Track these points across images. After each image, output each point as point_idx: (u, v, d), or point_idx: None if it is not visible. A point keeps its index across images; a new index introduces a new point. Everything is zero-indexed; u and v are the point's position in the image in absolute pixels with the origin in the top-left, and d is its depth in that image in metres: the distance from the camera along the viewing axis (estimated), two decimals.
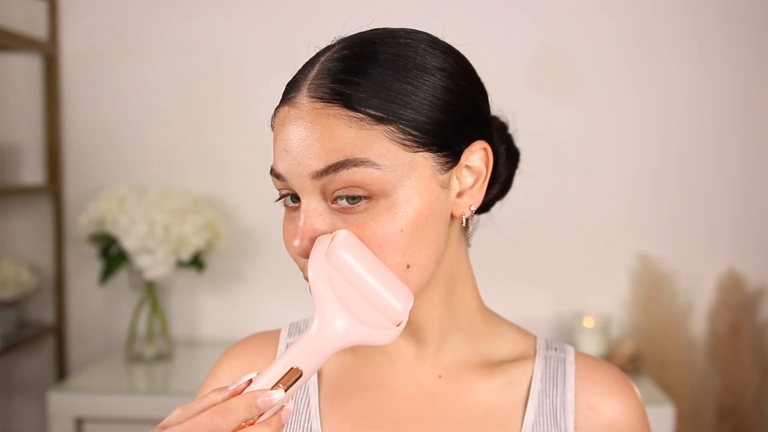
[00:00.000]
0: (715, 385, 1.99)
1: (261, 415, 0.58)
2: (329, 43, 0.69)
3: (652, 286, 2.01)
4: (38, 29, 2.08)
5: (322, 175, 0.63)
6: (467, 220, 0.70)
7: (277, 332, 0.82)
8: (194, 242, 1.87)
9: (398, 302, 0.63)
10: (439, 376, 0.74)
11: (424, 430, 0.72)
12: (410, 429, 0.72)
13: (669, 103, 2.04)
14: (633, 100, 2.04)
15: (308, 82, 0.65)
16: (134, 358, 1.96)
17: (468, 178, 0.69)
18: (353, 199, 0.63)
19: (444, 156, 0.66)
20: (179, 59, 2.08)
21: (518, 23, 2.04)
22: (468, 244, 0.73)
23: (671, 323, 2.01)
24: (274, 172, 0.66)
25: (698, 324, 2.05)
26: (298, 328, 0.81)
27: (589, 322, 1.91)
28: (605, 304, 2.06)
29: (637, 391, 0.76)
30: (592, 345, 1.89)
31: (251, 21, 2.07)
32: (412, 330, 0.73)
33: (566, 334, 2.05)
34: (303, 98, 0.64)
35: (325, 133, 0.62)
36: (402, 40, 0.67)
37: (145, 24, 2.09)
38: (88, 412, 1.74)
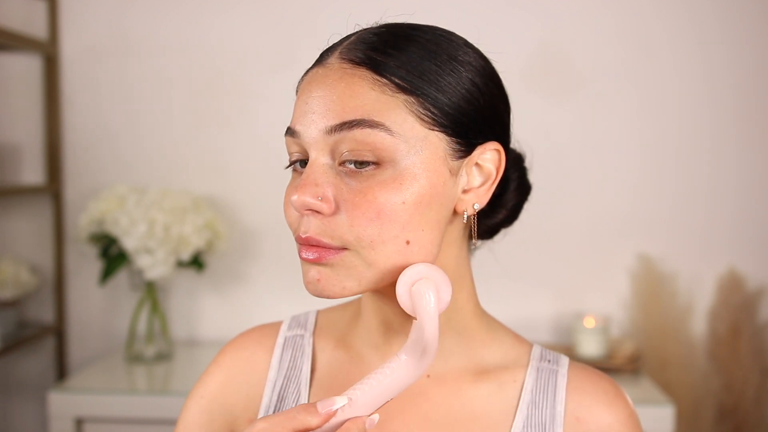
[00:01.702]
0: (715, 385, 1.99)
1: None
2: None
3: (652, 286, 2.01)
4: (38, 29, 2.08)
5: (335, 130, 0.64)
6: (469, 218, 0.70)
7: (278, 324, 0.83)
8: (194, 242, 1.87)
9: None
10: (428, 376, 0.74)
11: (407, 429, 0.72)
12: (393, 428, 0.72)
13: (669, 103, 2.04)
14: (633, 100, 2.04)
15: (342, 47, 0.68)
16: (134, 358, 1.96)
17: (477, 178, 0.69)
18: (361, 164, 0.64)
19: (458, 143, 0.67)
20: (179, 59, 2.08)
21: (518, 23, 2.04)
22: (472, 246, 0.74)
23: (671, 323, 2.01)
24: (290, 131, 0.68)
25: (698, 324, 2.05)
26: (298, 322, 0.82)
27: (589, 322, 1.91)
28: (605, 304, 2.06)
29: (629, 401, 0.75)
30: (592, 345, 1.89)
31: (251, 21, 2.07)
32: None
33: (566, 334, 2.05)
34: (334, 60, 0.67)
35: (347, 91, 0.64)
36: (439, 33, 0.69)
37: (145, 24, 2.09)
38: (88, 412, 1.74)
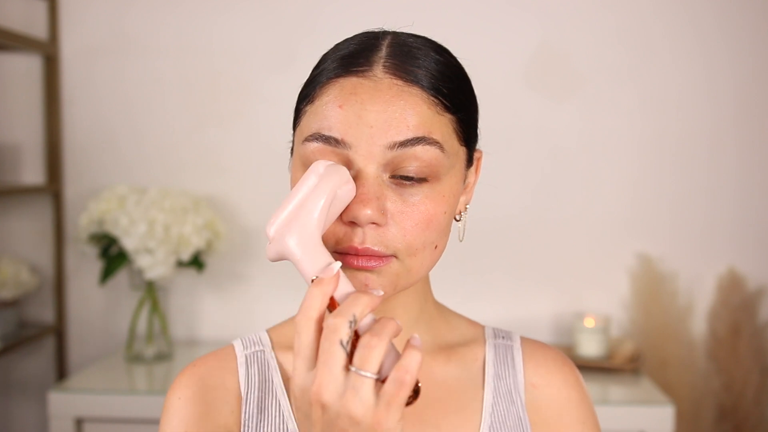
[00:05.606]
0: (715, 385, 1.99)
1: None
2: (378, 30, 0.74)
3: (652, 286, 2.01)
4: (38, 29, 2.08)
5: (399, 146, 0.66)
6: (461, 215, 0.76)
7: (228, 347, 0.81)
8: (194, 242, 1.87)
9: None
10: None
11: None
12: None
13: (669, 102, 2.04)
14: (633, 100, 2.04)
15: (382, 60, 0.68)
16: (134, 358, 1.96)
17: (469, 179, 0.76)
18: (409, 178, 0.67)
19: (469, 156, 0.74)
20: (179, 59, 2.08)
21: (519, 23, 2.03)
22: (460, 239, 0.78)
23: (671, 323, 2.01)
24: (331, 140, 0.67)
25: (698, 324, 2.05)
26: (251, 340, 0.81)
27: (589, 322, 1.91)
28: (605, 304, 2.06)
29: (575, 368, 0.84)
30: (592, 345, 1.89)
31: (251, 21, 2.07)
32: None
33: (566, 334, 2.05)
34: (380, 74, 0.68)
35: (408, 108, 0.66)
36: (450, 52, 0.74)
37: (145, 24, 2.09)
38: (88, 412, 1.74)
